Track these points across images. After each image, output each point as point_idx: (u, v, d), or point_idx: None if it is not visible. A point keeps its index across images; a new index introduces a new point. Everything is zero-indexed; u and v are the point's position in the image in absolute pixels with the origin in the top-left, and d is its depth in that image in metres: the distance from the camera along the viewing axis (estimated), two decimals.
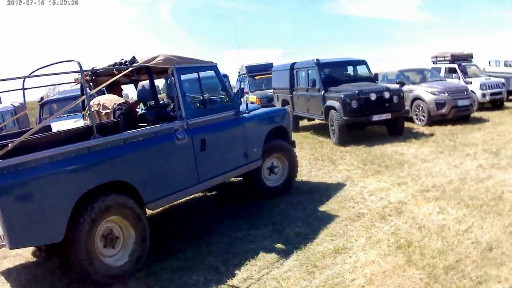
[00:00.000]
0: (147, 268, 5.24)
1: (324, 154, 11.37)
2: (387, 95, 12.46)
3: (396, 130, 13.08)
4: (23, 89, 6.14)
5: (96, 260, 4.71)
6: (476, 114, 15.83)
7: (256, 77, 20.39)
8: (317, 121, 15.76)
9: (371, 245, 5.46)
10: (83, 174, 4.67)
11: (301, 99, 15.02)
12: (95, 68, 6.11)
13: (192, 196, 7.16)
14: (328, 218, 6.56)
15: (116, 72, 5.98)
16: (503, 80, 18.18)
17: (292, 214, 6.92)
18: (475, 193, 6.99)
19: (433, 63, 19.88)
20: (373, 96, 12.31)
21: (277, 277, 4.91)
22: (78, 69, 4.85)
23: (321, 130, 15.05)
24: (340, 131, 12.28)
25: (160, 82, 11.14)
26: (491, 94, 17.36)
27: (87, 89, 5.64)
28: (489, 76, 18.76)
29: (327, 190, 8.00)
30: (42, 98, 13.95)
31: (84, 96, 5.31)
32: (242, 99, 9.81)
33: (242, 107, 7.27)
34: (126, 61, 5.97)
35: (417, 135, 12.83)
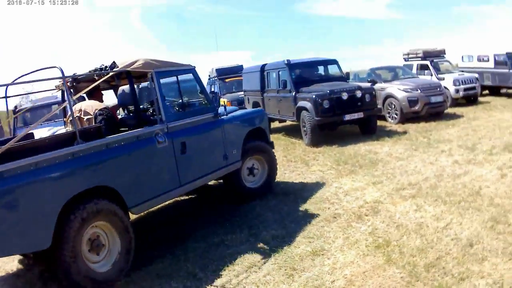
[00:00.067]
0: (126, 276, 5.20)
1: (297, 155, 11.36)
2: (359, 94, 12.54)
3: (368, 129, 13.16)
4: (6, 97, 6.23)
5: (80, 260, 4.71)
6: (450, 110, 16.04)
7: (227, 80, 20.44)
8: (288, 123, 15.82)
9: (349, 246, 5.44)
10: (68, 180, 4.71)
11: (272, 100, 14.99)
12: (76, 74, 6.12)
13: (166, 202, 7.13)
14: (304, 220, 6.53)
15: (96, 77, 6.02)
16: (476, 75, 18.43)
17: (268, 217, 6.89)
18: (452, 190, 7.04)
19: (405, 60, 20.13)
20: (345, 96, 12.35)
21: (256, 282, 4.88)
22: (59, 75, 4.91)
23: (293, 131, 15.08)
24: (312, 132, 12.29)
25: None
26: (465, 90, 17.56)
27: (70, 95, 5.63)
28: (462, 71, 19.02)
29: (302, 192, 7.98)
30: (16, 107, 13.84)
31: (66, 103, 5.44)
32: None
33: (221, 109, 7.38)
34: (106, 66, 6.05)
35: (390, 133, 12.92)
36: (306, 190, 8.10)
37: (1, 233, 4.09)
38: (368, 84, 14.34)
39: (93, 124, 6.11)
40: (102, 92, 7.21)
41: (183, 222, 7.29)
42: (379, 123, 13.96)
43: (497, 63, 19.24)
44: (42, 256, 4.95)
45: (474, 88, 17.86)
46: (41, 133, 9.04)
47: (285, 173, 9.57)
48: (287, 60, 14.11)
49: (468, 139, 10.86)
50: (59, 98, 13.47)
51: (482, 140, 10.48)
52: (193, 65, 7.04)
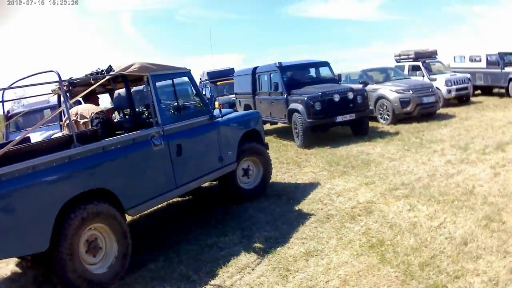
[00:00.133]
0: (120, 280, 5.21)
1: (289, 157, 11.36)
2: (350, 95, 12.59)
3: (360, 130, 13.20)
4: (2, 101, 6.30)
5: (76, 258, 4.75)
6: (442, 111, 16.15)
7: (218, 83, 20.43)
8: (280, 125, 15.86)
9: (343, 246, 5.45)
10: (65, 183, 4.77)
11: (264, 103, 15.01)
12: (72, 78, 6.22)
13: (160, 204, 7.16)
14: (297, 221, 6.53)
15: (92, 81, 6.10)
16: (468, 76, 18.53)
17: (260, 218, 6.89)
18: (445, 189, 7.07)
19: (397, 62, 20.20)
20: (336, 97, 12.39)
21: (250, 283, 4.88)
22: (56, 79, 5.00)
23: (285, 133, 15.11)
24: (304, 134, 12.34)
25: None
26: (457, 90, 17.65)
27: (67, 99, 5.69)
28: (454, 72, 19.12)
29: (294, 193, 7.99)
30: (8, 112, 13.80)
31: (63, 107, 5.50)
32: None
33: (216, 111, 7.44)
34: (102, 70, 6.15)
35: (382, 134, 12.97)
36: (299, 191, 8.11)
37: None
38: (360, 86, 14.40)
39: (90, 127, 6.16)
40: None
41: (175, 224, 7.28)
42: (371, 124, 14.04)
43: (489, 63, 19.40)
44: (40, 259, 5.01)
45: (466, 88, 17.95)
46: (34, 137, 9.05)
47: (277, 175, 9.57)
48: (278, 62, 14.15)
49: (460, 139, 10.92)
50: (51, 103, 13.58)
51: (474, 140, 10.54)
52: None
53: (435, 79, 17.45)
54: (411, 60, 19.28)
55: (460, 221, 5.71)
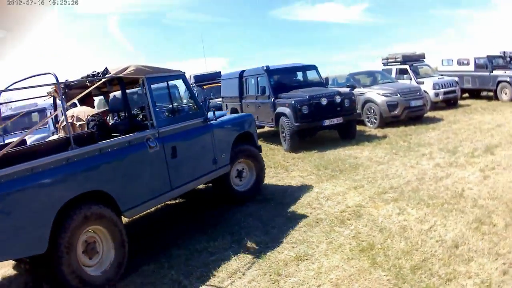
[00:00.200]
0: (111, 287, 5.19)
1: (276, 161, 11.37)
2: (338, 99, 12.63)
3: (348, 134, 13.26)
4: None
5: (73, 254, 4.77)
6: (430, 114, 16.28)
7: (204, 87, 20.41)
8: (266, 129, 15.89)
9: (333, 250, 5.45)
10: (63, 185, 4.81)
11: (251, 107, 15.01)
12: (68, 81, 6.22)
13: (152, 208, 7.15)
14: (286, 226, 6.53)
15: (88, 84, 6.13)
16: (456, 79, 18.70)
17: (249, 223, 6.88)
18: (435, 192, 7.11)
19: (384, 65, 20.31)
20: (324, 101, 12.43)
21: None
22: (53, 81, 5.13)
23: (272, 137, 15.16)
24: (291, 138, 12.35)
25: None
26: (445, 93, 17.84)
27: (63, 101, 5.67)
28: (442, 75, 19.28)
29: (283, 197, 8.00)
30: None
31: (60, 109, 5.62)
32: None
33: (210, 114, 7.47)
34: (98, 73, 6.17)
35: (370, 138, 13.03)
36: (287, 195, 8.12)
37: None
38: (347, 89, 14.44)
39: (86, 129, 6.25)
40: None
41: (164, 228, 7.28)
42: (359, 128, 14.09)
43: (477, 66, 19.60)
44: (38, 261, 5.07)
45: (454, 91, 18.15)
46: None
47: (266, 179, 9.53)
48: (265, 66, 14.20)
49: (449, 142, 11.00)
50: (39, 106, 13.52)
51: (463, 143, 10.62)
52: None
53: (423, 83, 17.55)
54: (399, 63, 19.42)
55: (451, 224, 5.75)
